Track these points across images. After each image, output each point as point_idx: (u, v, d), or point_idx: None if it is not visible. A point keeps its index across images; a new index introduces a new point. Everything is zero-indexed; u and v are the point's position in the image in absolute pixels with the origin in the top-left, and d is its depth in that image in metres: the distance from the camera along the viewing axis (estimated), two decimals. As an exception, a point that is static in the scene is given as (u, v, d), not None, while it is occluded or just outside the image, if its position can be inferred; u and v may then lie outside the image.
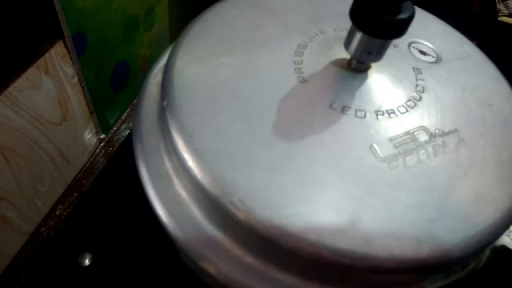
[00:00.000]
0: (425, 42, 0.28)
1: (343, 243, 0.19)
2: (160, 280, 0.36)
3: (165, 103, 0.23)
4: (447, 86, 0.26)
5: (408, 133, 0.23)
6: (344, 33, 0.24)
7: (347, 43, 0.24)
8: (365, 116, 0.23)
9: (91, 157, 0.46)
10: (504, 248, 0.24)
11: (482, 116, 0.25)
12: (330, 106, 0.23)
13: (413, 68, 0.26)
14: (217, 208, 0.20)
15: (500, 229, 0.21)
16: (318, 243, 0.19)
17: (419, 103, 0.24)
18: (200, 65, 0.25)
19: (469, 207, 0.21)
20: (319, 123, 0.23)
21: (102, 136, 0.48)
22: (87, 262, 0.37)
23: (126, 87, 0.49)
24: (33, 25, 0.33)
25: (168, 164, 0.24)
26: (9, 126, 0.32)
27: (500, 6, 0.55)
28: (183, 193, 0.23)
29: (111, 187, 0.43)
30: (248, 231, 0.20)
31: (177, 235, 0.23)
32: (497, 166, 0.23)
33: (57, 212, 0.41)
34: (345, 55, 0.25)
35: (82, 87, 0.40)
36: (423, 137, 0.23)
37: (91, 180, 0.44)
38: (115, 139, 0.49)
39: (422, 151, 0.22)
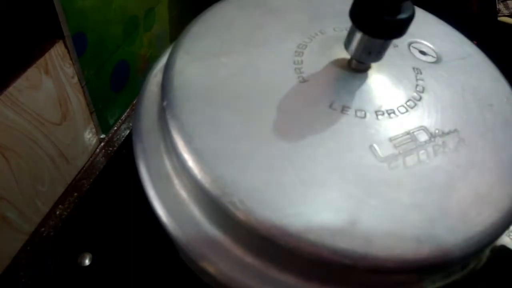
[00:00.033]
0: (425, 42, 0.28)
1: (343, 243, 0.19)
2: (160, 280, 0.36)
3: (165, 103, 0.23)
4: (447, 86, 0.26)
5: (408, 133, 0.23)
6: (344, 33, 0.24)
7: (347, 43, 0.24)
8: (365, 116, 0.23)
9: (91, 157, 0.46)
10: (504, 248, 0.24)
11: (482, 116, 0.25)
12: (330, 106, 0.23)
13: (413, 68, 0.26)
14: (217, 208, 0.20)
15: (500, 229, 0.21)
16: (318, 243, 0.19)
17: (419, 103, 0.24)
18: (200, 65, 0.25)
19: (469, 207, 0.21)
20: (319, 123, 0.23)
21: (102, 136, 0.48)
22: (87, 262, 0.37)
23: (126, 87, 0.49)
24: (33, 25, 0.33)
25: (168, 164, 0.24)
26: (9, 126, 0.32)
27: (500, 6, 0.55)
28: (183, 193, 0.23)
29: (111, 187, 0.43)
30: (248, 231, 0.20)
31: (177, 235, 0.23)
32: (497, 166, 0.23)
33: (57, 212, 0.41)
34: (345, 55, 0.25)
35: (82, 87, 0.40)
36: (423, 137, 0.23)
37: (91, 180, 0.44)
38: (115, 139, 0.49)
39: (422, 151, 0.22)
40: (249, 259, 0.22)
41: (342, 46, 0.24)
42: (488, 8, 0.54)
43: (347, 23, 0.23)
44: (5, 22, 0.30)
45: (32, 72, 0.33)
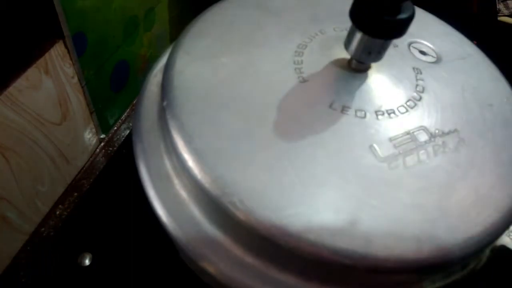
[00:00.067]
0: (425, 42, 0.28)
1: (343, 243, 0.19)
2: (160, 280, 0.36)
3: (165, 103, 0.23)
4: (447, 86, 0.26)
5: (408, 133, 0.23)
6: (344, 33, 0.24)
7: (347, 43, 0.24)
8: (365, 116, 0.23)
9: (91, 157, 0.46)
10: (504, 248, 0.24)
11: (482, 116, 0.25)
12: (330, 106, 0.23)
13: (413, 68, 0.26)
14: (217, 208, 0.20)
15: (500, 229, 0.21)
16: (318, 243, 0.19)
17: (419, 103, 0.24)
18: (200, 65, 0.25)
19: (469, 207, 0.21)
20: (319, 123, 0.23)
21: (102, 136, 0.48)
22: (87, 262, 0.37)
23: (126, 87, 0.49)
24: (33, 25, 0.33)
25: (168, 164, 0.24)
26: (9, 126, 0.32)
27: (500, 6, 0.55)
28: (183, 193, 0.23)
29: (111, 187, 0.43)
30: (248, 231, 0.20)
31: (177, 235, 0.23)
32: (497, 166, 0.23)
33: (57, 212, 0.41)
34: (345, 55, 0.25)
35: (82, 87, 0.40)
36: (423, 137, 0.23)
37: (91, 180, 0.44)
38: (115, 139, 0.49)
39: (422, 151, 0.22)
40: (249, 259, 0.22)
41: (342, 46, 0.24)
42: (488, 8, 0.54)
43: (347, 23, 0.23)
44: (5, 22, 0.30)
45: (32, 72, 0.33)
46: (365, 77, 0.25)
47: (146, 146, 0.25)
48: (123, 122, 0.50)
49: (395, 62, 0.26)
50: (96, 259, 0.38)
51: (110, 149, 0.48)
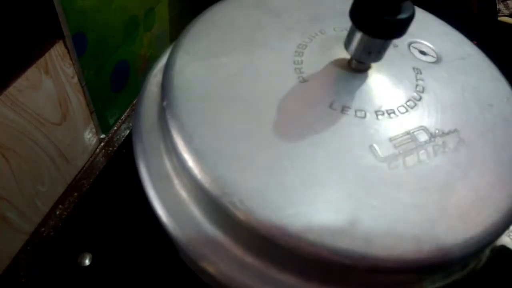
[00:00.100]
0: (425, 42, 0.28)
1: (343, 243, 0.19)
2: (160, 280, 0.36)
3: (165, 103, 0.23)
4: (447, 86, 0.26)
5: (408, 133, 0.23)
6: (344, 33, 0.24)
7: (347, 43, 0.24)
8: (365, 116, 0.23)
9: (91, 157, 0.46)
10: (504, 248, 0.24)
11: (482, 116, 0.25)
12: (330, 106, 0.23)
13: (413, 68, 0.26)
14: (217, 208, 0.20)
15: (500, 229, 0.21)
16: (318, 243, 0.19)
17: (419, 103, 0.24)
18: (200, 65, 0.25)
19: (469, 207, 0.21)
20: (319, 123, 0.23)
21: (102, 136, 0.48)
22: (87, 262, 0.37)
23: (126, 87, 0.49)
24: (33, 25, 0.33)
25: (168, 164, 0.24)
26: (9, 126, 0.32)
27: (500, 6, 0.55)
28: (183, 193, 0.23)
29: (111, 187, 0.43)
30: (248, 231, 0.20)
31: (177, 235, 0.23)
32: (497, 166, 0.23)
33: (57, 212, 0.41)
34: (345, 55, 0.25)
35: (82, 87, 0.40)
36: (423, 137, 0.23)
37: (91, 180, 0.44)
38: (115, 139, 0.49)
39: (422, 151, 0.22)
40: (249, 259, 0.22)
41: (342, 46, 0.24)
42: (488, 8, 0.54)
43: (347, 23, 0.23)
44: (5, 22, 0.30)
45: (32, 72, 0.33)
46: (365, 77, 0.25)
47: (146, 146, 0.25)
48: (123, 122, 0.50)
49: (395, 62, 0.26)
50: (96, 259, 0.38)
51: (110, 149, 0.48)
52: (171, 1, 0.53)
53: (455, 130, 0.24)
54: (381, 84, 0.25)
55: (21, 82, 0.32)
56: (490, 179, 0.22)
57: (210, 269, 0.22)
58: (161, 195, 0.24)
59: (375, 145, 0.22)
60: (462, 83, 0.26)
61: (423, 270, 0.21)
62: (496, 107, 0.26)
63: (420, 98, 0.25)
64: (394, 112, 0.24)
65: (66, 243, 0.39)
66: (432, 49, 0.28)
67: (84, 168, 0.45)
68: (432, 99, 0.25)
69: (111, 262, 0.38)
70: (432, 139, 0.23)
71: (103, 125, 0.47)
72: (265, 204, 0.20)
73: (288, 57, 0.25)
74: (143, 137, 0.26)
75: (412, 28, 0.21)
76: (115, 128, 0.50)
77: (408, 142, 0.23)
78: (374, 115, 0.23)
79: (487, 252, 0.25)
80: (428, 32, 0.29)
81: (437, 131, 0.23)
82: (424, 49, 0.28)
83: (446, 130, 0.24)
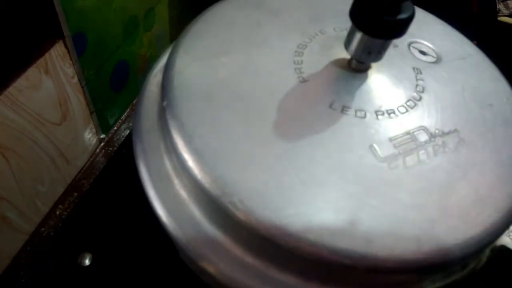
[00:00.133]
0: (425, 42, 0.28)
1: (343, 243, 0.19)
2: (160, 280, 0.36)
3: (165, 103, 0.23)
4: (447, 86, 0.26)
5: (408, 133, 0.23)
6: (344, 33, 0.24)
7: (347, 43, 0.24)
8: (365, 116, 0.23)
9: (91, 157, 0.46)
10: (504, 248, 0.24)
11: (482, 116, 0.25)
12: (330, 106, 0.23)
13: (413, 68, 0.26)
14: (217, 208, 0.20)
15: (500, 229, 0.21)
16: (318, 243, 0.19)
17: (419, 103, 0.24)
18: (200, 65, 0.25)
19: (469, 207, 0.21)
20: (319, 123, 0.23)
21: (102, 136, 0.48)
22: (87, 262, 0.37)
23: (126, 87, 0.49)
24: (33, 25, 0.33)
25: (168, 164, 0.24)
26: (9, 126, 0.32)
27: (500, 6, 0.55)
28: (183, 193, 0.23)
29: (111, 187, 0.43)
30: (248, 231, 0.20)
31: (177, 235, 0.23)
32: (497, 166, 0.23)
33: (57, 212, 0.41)
34: (345, 55, 0.25)
35: (82, 87, 0.40)
36: (423, 137, 0.23)
37: (91, 180, 0.44)
38: (115, 139, 0.49)
39: (422, 151, 0.22)
40: (249, 259, 0.22)
41: (342, 46, 0.24)
42: (488, 8, 0.54)
43: (347, 23, 0.23)
44: (5, 22, 0.30)
45: (32, 72, 0.33)
46: (365, 77, 0.25)
47: (146, 146, 0.25)
48: (123, 122, 0.50)
49: (395, 62, 0.26)
50: (96, 259, 0.38)
51: (110, 149, 0.48)
52: (171, 1, 0.53)
53: (455, 130, 0.24)
54: (381, 84, 0.25)
55: (21, 82, 0.32)
56: (490, 179, 0.22)
57: (210, 269, 0.22)
58: (161, 195, 0.24)
59: (375, 145, 0.22)
60: (462, 83, 0.26)
61: (423, 270, 0.21)
62: (496, 107, 0.26)
63: (420, 98, 0.25)
64: (394, 112, 0.24)
65: (66, 243, 0.39)
66: (432, 49, 0.28)
67: (84, 168, 0.45)
68: (432, 99, 0.25)
69: (111, 262, 0.38)
70: (432, 139, 0.23)
71: (103, 125, 0.47)
72: (265, 204, 0.20)
73: (288, 57, 0.25)
74: (143, 137, 0.26)
75: (412, 28, 0.21)
76: (115, 128, 0.50)
77: (408, 142, 0.23)
78: (374, 115, 0.23)
79: (487, 252, 0.25)
80: (428, 32, 0.29)
81: (437, 131, 0.23)
82: (424, 49, 0.28)
83: (446, 130, 0.24)
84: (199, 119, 0.22)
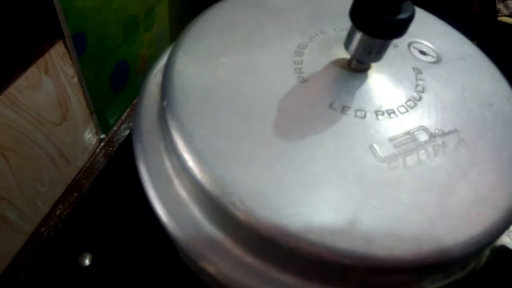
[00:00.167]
0: (425, 42, 0.28)
1: (343, 243, 0.19)
2: (160, 280, 0.36)
3: (165, 103, 0.23)
4: (447, 86, 0.26)
5: (408, 133, 0.23)
6: (344, 33, 0.24)
7: (347, 43, 0.24)
8: (365, 116, 0.23)
9: (91, 157, 0.46)
10: (504, 248, 0.24)
11: (482, 116, 0.25)
12: (330, 106, 0.23)
13: (413, 68, 0.26)
14: (217, 208, 0.20)
15: (500, 229, 0.21)
16: (318, 243, 0.19)
17: (419, 103, 0.24)
18: (200, 65, 0.25)
19: (469, 207, 0.21)
20: (319, 123, 0.23)
21: (102, 136, 0.48)
22: (87, 262, 0.37)
23: (126, 87, 0.49)
24: (33, 25, 0.33)
25: (168, 164, 0.24)
26: (9, 126, 0.32)
27: (500, 6, 0.55)
28: (183, 193, 0.23)
29: (111, 187, 0.43)
30: (248, 231, 0.20)
31: (177, 235, 0.23)
32: (497, 166, 0.23)
33: (57, 212, 0.41)
34: (345, 55, 0.25)
35: (82, 87, 0.40)
36: (423, 137, 0.23)
37: (91, 180, 0.44)
38: (115, 139, 0.49)
39: (422, 151, 0.22)
40: (249, 259, 0.22)
41: (342, 46, 0.24)
42: (488, 8, 0.54)
43: (347, 23, 0.23)
44: (5, 22, 0.30)
45: (32, 72, 0.33)
46: (365, 77, 0.25)
47: (146, 146, 0.25)
48: (123, 122, 0.50)
49: (395, 62, 0.26)
50: (96, 259, 0.38)
51: (110, 149, 0.48)
52: (171, 1, 0.53)
53: (455, 130, 0.24)
54: (381, 84, 0.25)
55: (21, 82, 0.32)
56: (490, 179, 0.22)
57: (210, 269, 0.22)
58: (161, 195, 0.24)
59: (375, 145, 0.22)
60: (462, 83, 0.26)
61: (423, 270, 0.21)
62: (496, 107, 0.26)
63: (420, 98, 0.25)
64: (394, 112, 0.24)
65: (66, 243, 0.39)
66: (432, 49, 0.28)
67: (84, 168, 0.45)
68: (432, 99, 0.25)
69: (111, 262, 0.38)
70: (432, 139, 0.23)
71: (103, 125, 0.47)
72: (265, 204, 0.20)
73: (288, 57, 0.25)
74: (143, 137, 0.26)
75: (412, 28, 0.21)
76: (115, 128, 0.50)
77: (408, 142, 0.23)
78: (374, 115, 0.23)
79: (487, 252, 0.25)
80: (428, 32, 0.29)
81: (437, 131, 0.23)
82: (424, 49, 0.28)
83: (446, 130, 0.24)
84: (199, 119, 0.22)
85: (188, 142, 0.21)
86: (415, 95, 0.25)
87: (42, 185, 0.39)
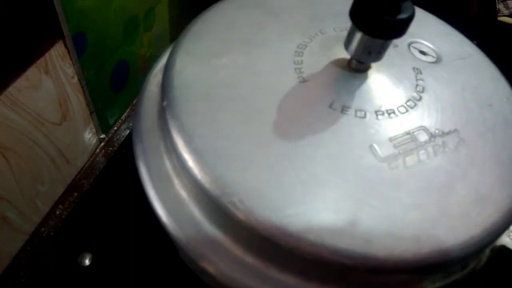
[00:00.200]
0: (425, 42, 0.28)
1: (343, 243, 0.19)
2: (160, 280, 0.36)
3: (165, 103, 0.23)
4: (447, 86, 0.26)
5: (408, 133, 0.23)
6: (344, 33, 0.24)
7: (347, 43, 0.24)
8: (365, 116, 0.23)
9: (91, 157, 0.46)
10: (504, 248, 0.24)
11: (482, 116, 0.25)
12: (330, 106, 0.23)
13: (413, 68, 0.26)
14: (217, 208, 0.20)
15: (500, 229, 0.21)
16: (318, 243, 0.19)
17: (419, 103, 0.24)
18: (200, 65, 0.25)
19: (469, 207, 0.21)
20: (319, 123, 0.23)
21: (102, 136, 0.48)
22: (87, 262, 0.37)
23: (126, 87, 0.49)
24: (33, 25, 0.33)
25: (168, 164, 0.24)
26: (9, 126, 0.32)
27: (500, 6, 0.55)
28: (183, 193, 0.23)
29: (111, 187, 0.43)
30: (248, 231, 0.20)
31: (177, 235, 0.23)
32: (497, 166, 0.23)
33: (57, 212, 0.41)
34: (345, 55, 0.25)
35: (82, 87, 0.40)
36: (423, 137, 0.23)
37: (91, 180, 0.44)
38: (115, 139, 0.49)
39: (422, 151, 0.22)
40: (249, 259, 0.22)
41: (342, 46, 0.24)
42: (488, 8, 0.54)
43: (347, 23, 0.23)
44: (5, 22, 0.30)
45: (32, 72, 0.33)
46: (365, 77, 0.25)
47: (146, 146, 0.25)
48: (123, 122, 0.50)
49: (395, 62, 0.26)
50: (96, 259, 0.38)
51: (110, 149, 0.48)
52: (171, 1, 0.53)
53: (455, 130, 0.24)
54: (381, 84, 0.25)
55: (21, 82, 0.32)
56: (490, 179, 0.22)
57: (210, 269, 0.22)
58: (161, 195, 0.24)
59: (375, 145, 0.22)
60: (462, 83, 0.26)
61: (423, 270, 0.21)
62: (496, 107, 0.26)
63: (420, 98, 0.25)
64: (394, 112, 0.24)
65: (66, 243, 0.39)
66: (432, 49, 0.28)
67: (84, 168, 0.45)
68: (432, 99, 0.25)
69: (111, 262, 0.38)
70: (432, 139, 0.23)
71: (103, 125, 0.47)
72: (265, 204, 0.20)
73: (288, 57, 0.25)
74: (143, 137, 0.26)
75: (412, 28, 0.21)
76: (115, 128, 0.50)
77: (408, 142, 0.23)
78: (374, 115, 0.23)
79: (487, 252, 0.25)
80: (428, 32, 0.29)
81: (437, 131, 0.23)
82: (424, 49, 0.28)
83: (446, 130, 0.24)
84: (199, 119, 0.22)
85: (188, 142, 0.21)
86: (415, 95, 0.25)
87: (42, 185, 0.39)
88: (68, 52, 0.36)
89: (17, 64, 0.32)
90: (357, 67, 0.25)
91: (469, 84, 0.26)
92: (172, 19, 0.54)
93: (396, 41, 0.25)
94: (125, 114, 0.51)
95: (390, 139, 0.23)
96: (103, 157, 0.47)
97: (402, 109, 0.24)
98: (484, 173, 0.22)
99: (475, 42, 0.30)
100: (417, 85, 0.25)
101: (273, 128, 0.22)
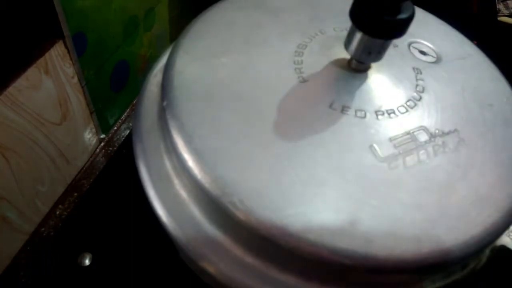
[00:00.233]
0: (425, 42, 0.28)
1: (343, 243, 0.19)
2: (160, 280, 0.36)
3: (165, 103, 0.23)
4: (447, 86, 0.26)
5: (408, 133, 0.23)
6: (344, 33, 0.24)
7: (347, 43, 0.24)
8: (365, 116, 0.23)
9: (91, 157, 0.46)
10: (504, 248, 0.24)
11: (482, 116, 0.25)
12: (330, 106, 0.23)
13: (413, 68, 0.26)
14: (217, 208, 0.20)
15: (500, 229, 0.21)
16: (318, 243, 0.19)
17: (419, 103, 0.24)
18: (200, 65, 0.25)
19: (469, 207, 0.21)
20: (319, 123, 0.23)
21: (102, 136, 0.48)
22: (87, 262, 0.37)
23: (126, 87, 0.49)
24: (33, 25, 0.33)
25: (168, 164, 0.24)
26: (9, 126, 0.32)
27: (500, 6, 0.55)
28: (183, 193, 0.23)
29: (111, 187, 0.43)
30: (248, 231, 0.20)
31: (177, 235, 0.23)
32: (497, 166, 0.23)
33: (57, 212, 0.41)
34: (345, 55, 0.25)
35: (82, 87, 0.40)
36: (423, 137, 0.23)
37: (91, 180, 0.44)
38: (115, 139, 0.49)
39: (422, 151, 0.22)
40: (249, 259, 0.22)
41: (342, 46, 0.24)
42: (488, 8, 0.54)
43: (347, 23, 0.23)
44: (5, 22, 0.30)
45: (32, 72, 0.33)
46: (365, 77, 0.25)
47: (146, 146, 0.25)
48: (123, 122, 0.50)
49: (395, 62, 0.26)
50: (96, 259, 0.38)
51: (110, 149, 0.48)
52: (171, 1, 0.53)
53: (455, 130, 0.24)
54: (381, 84, 0.25)
55: (21, 82, 0.32)
56: (490, 179, 0.22)
57: (210, 269, 0.22)
58: (161, 195, 0.24)
59: (375, 145, 0.22)
60: (462, 83, 0.26)
61: (423, 270, 0.21)
62: (496, 107, 0.26)
63: (420, 98, 0.25)
64: (394, 112, 0.24)
65: (66, 243, 0.39)
66: (432, 49, 0.28)
67: (84, 168, 0.45)
68: (432, 99, 0.25)
69: (111, 262, 0.38)
70: (432, 139, 0.23)
71: (103, 125, 0.47)
72: (265, 204, 0.20)
73: (288, 57, 0.25)
74: (143, 137, 0.26)
75: (412, 28, 0.21)
76: (115, 128, 0.50)
77: (408, 142, 0.23)
78: (374, 115, 0.23)
79: (487, 252, 0.25)
80: (428, 32, 0.29)
81: (437, 131, 0.23)
82: (424, 49, 0.28)
83: (446, 130, 0.24)
84: (199, 119, 0.22)
85: (188, 142, 0.21)
86: (415, 95, 0.25)
87: (42, 185, 0.39)
88: (68, 52, 0.36)
89: (17, 64, 0.32)
90: (357, 67, 0.25)
91: (469, 84, 0.26)
92: (172, 19, 0.54)
93: (396, 41, 0.25)
94: (125, 114, 0.51)
95: (390, 139, 0.23)
96: (103, 157, 0.47)
97: (402, 109, 0.24)
98: (484, 173, 0.22)
99: (475, 42, 0.30)
100: (417, 85, 0.25)
101: (273, 128, 0.22)
